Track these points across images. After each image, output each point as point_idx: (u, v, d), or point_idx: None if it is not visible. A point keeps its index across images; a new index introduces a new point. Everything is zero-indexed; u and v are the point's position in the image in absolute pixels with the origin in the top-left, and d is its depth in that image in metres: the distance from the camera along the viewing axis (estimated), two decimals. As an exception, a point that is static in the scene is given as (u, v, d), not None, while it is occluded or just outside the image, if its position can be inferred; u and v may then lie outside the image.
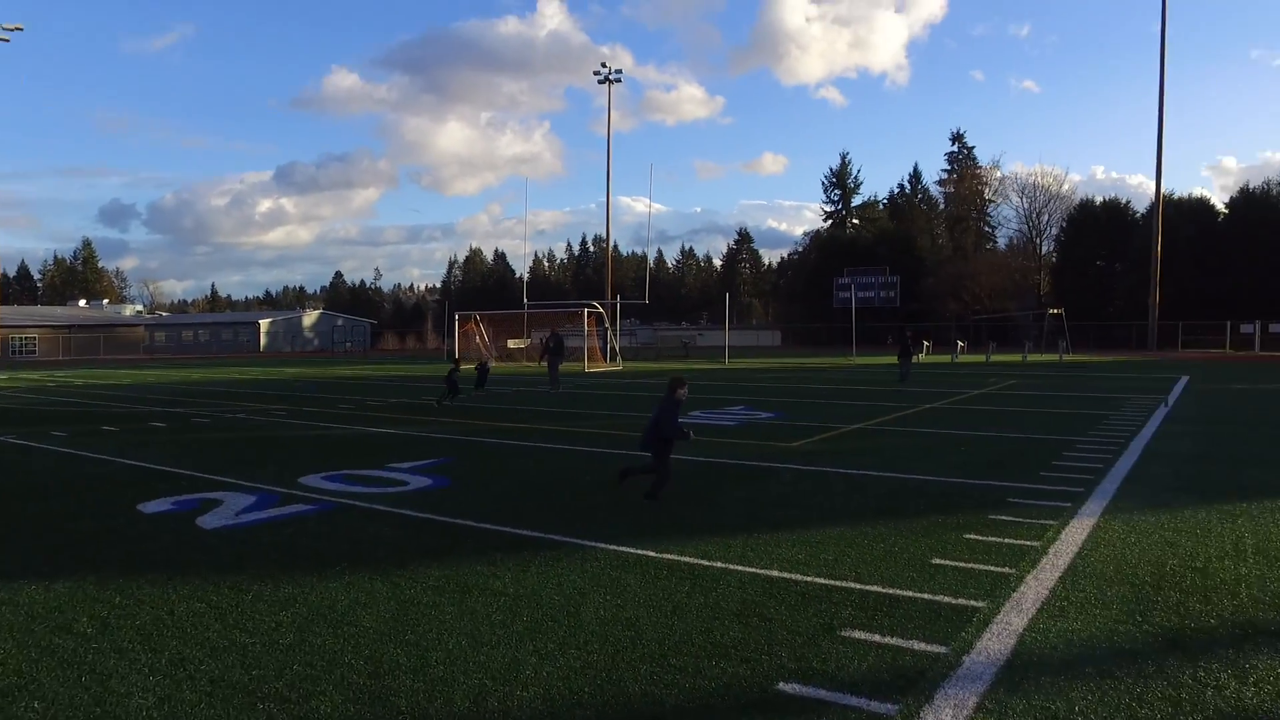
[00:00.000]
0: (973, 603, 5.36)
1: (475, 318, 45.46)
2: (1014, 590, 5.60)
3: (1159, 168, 58.55)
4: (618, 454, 12.06)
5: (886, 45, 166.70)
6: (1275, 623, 5.02)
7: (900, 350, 28.77)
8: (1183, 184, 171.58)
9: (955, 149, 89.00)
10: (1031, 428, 14.72)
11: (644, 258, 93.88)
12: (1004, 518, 7.75)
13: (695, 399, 21.08)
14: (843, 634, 4.85)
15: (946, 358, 44.36)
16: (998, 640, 4.71)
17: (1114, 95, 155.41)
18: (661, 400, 9.00)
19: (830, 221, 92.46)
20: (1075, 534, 7.12)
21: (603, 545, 6.89)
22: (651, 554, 6.62)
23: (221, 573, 6.24)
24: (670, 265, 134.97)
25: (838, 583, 5.83)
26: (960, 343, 48.04)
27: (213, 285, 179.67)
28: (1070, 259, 73.82)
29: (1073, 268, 72.75)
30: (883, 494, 9.06)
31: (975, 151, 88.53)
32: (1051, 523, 7.52)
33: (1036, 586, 5.68)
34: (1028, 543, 6.83)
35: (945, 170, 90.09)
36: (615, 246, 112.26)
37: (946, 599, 5.44)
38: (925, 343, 49.77)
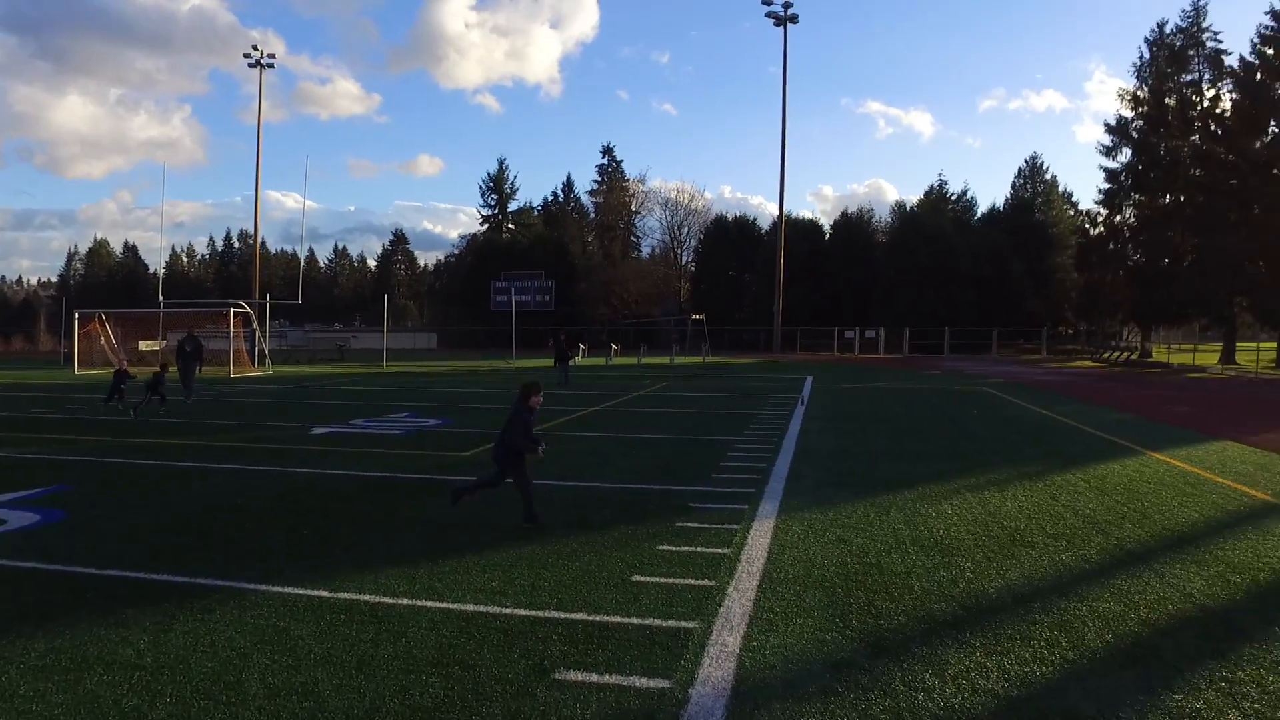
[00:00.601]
0: (684, 623, 5.14)
1: (100, 317, 39.38)
2: (720, 605, 5.48)
3: (781, 192, 65.61)
4: (275, 470, 10.68)
5: (541, 58, 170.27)
6: (949, 613, 5.34)
7: (556, 354, 29.25)
8: (795, 206, 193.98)
9: (605, 162, 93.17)
10: (692, 429, 15.36)
11: (295, 256, 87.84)
12: (690, 524, 7.77)
13: (354, 405, 19.68)
14: (557, 676, 4.38)
15: (601, 360, 45.98)
16: (718, 666, 4.50)
17: (738, 124, 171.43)
18: (512, 408, 8.05)
19: (487, 226, 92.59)
20: (760, 537, 7.28)
21: (265, 588, 5.84)
22: (325, 594, 5.71)
23: None
24: (323, 265, 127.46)
25: (540, 613, 5.36)
26: (614, 345, 50.07)
27: None
28: (707, 269, 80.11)
29: (709, 277, 79.00)
30: (567, 505, 8.76)
31: (624, 165, 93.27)
32: (735, 527, 7.65)
33: (740, 599, 5.61)
34: (719, 550, 6.83)
35: (596, 181, 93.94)
36: (264, 243, 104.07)
37: (656, 622, 5.18)
38: (581, 346, 51.23)
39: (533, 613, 5.36)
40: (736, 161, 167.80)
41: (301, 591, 5.76)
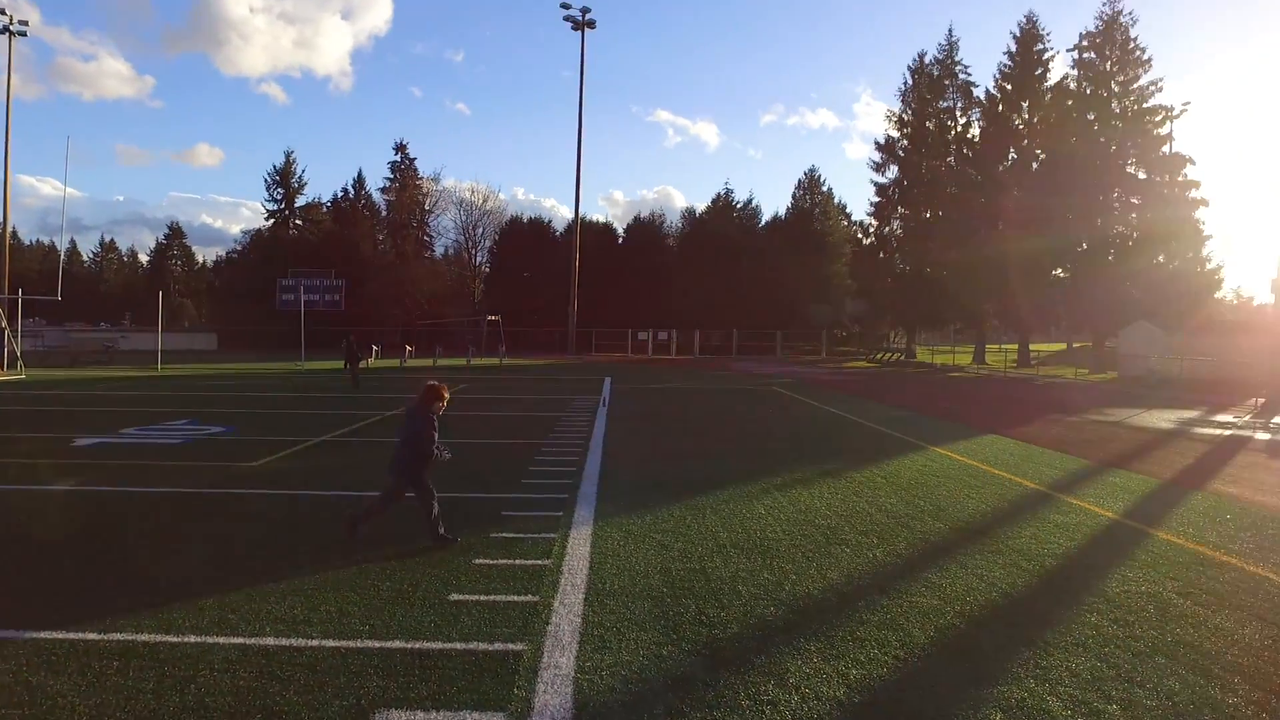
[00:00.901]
0: (512, 646, 4.82)
1: None
2: (548, 623, 5.19)
3: (577, 194, 65.74)
4: (29, 489, 9.26)
5: (332, 49, 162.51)
6: (780, 618, 5.33)
7: (346, 356, 27.92)
8: (587, 210, 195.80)
9: (398, 159, 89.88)
10: (497, 432, 14.93)
11: (54, 247, 78.76)
12: (505, 534, 7.42)
13: (125, 412, 17.70)
14: (377, 717, 3.95)
15: (395, 362, 44.30)
16: (554, 692, 4.21)
17: (531, 126, 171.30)
18: (412, 411, 7.22)
19: (273, 221, 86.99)
20: (579, 546, 7.05)
21: (14, 634, 4.95)
22: (93, 637, 4.92)
23: None
24: (87, 258, 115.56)
25: (352, 643, 4.86)
26: (409, 347, 48.34)
27: None
28: (502, 270, 79.25)
29: (504, 278, 78.17)
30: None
31: (417, 163, 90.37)
32: (552, 535, 7.39)
33: (568, 615, 5.35)
34: (539, 562, 6.54)
35: (388, 178, 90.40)
36: (15, 233, 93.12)
37: (482, 646, 4.82)
38: (374, 347, 49.18)
39: (343, 643, 4.86)
40: (530, 164, 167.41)
41: (62, 635, 4.94)
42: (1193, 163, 48.53)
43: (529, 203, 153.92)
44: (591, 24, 58.79)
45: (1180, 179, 48.75)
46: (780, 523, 7.99)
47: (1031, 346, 54.98)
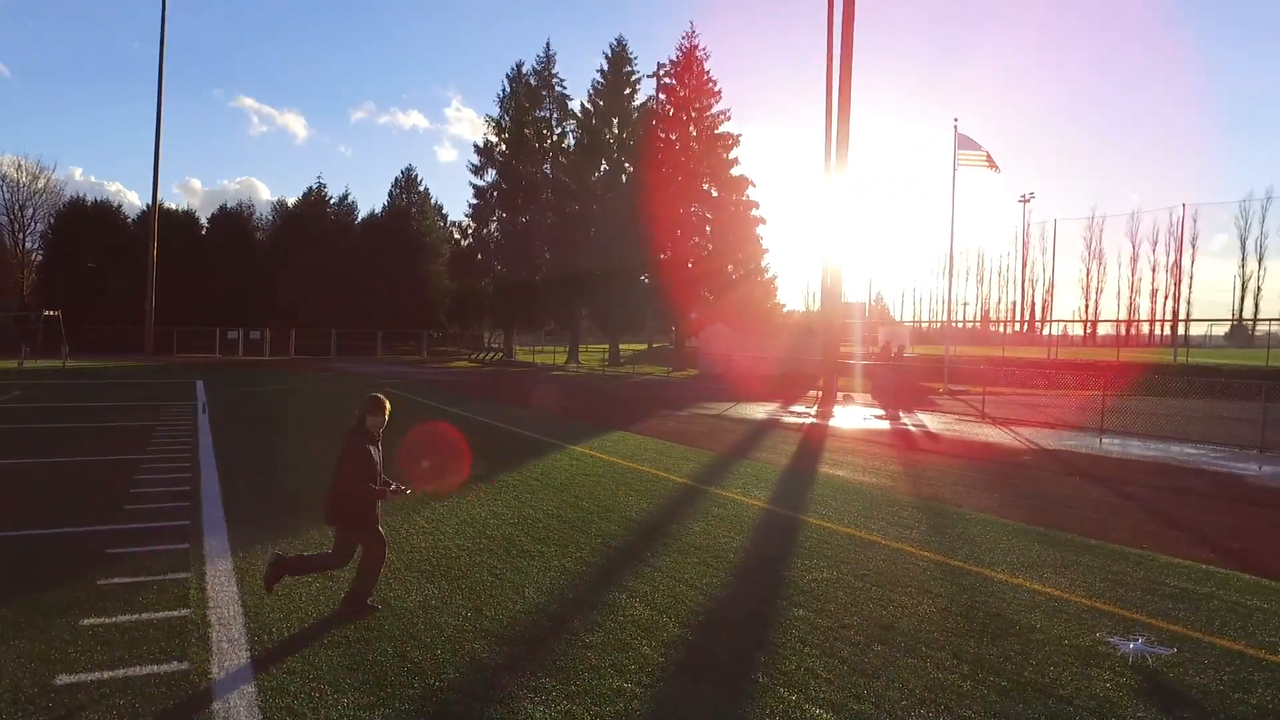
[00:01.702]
0: (171, 736, 3.67)
1: None
2: (213, 701, 4.03)
3: (155, 178, 58.66)
4: None
5: None
6: (498, 654, 4.68)
7: None
8: (162, 197, 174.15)
9: (-99, 114, 72.87)
10: (78, 447, 12.31)
11: None
12: (118, 580, 5.90)
13: None
14: None
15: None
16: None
17: (91, 99, 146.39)
18: (344, 439, 5.09)
19: None
20: (223, 587, 5.80)
21: None
22: None
23: None
24: None
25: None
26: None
27: None
28: (60, 259, 67.55)
29: (63, 268, 66.71)
30: (-95, 577, 6.09)
31: (-61, 126, 73.93)
32: (184, 575, 6.03)
33: (237, 686, 4.20)
34: (175, 612, 5.24)
35: (-110, 139, 73.01)
36: None
37: (127, 741, 3.62)
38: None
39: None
40: (91, 142, 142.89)
41: None
42: (754, 185, 55.17)
43: (91, 185, 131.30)
44: (167, -16, 52.17)
45: (744, 199, 55.23)
46: (450, 536, 7.32)
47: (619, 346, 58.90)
